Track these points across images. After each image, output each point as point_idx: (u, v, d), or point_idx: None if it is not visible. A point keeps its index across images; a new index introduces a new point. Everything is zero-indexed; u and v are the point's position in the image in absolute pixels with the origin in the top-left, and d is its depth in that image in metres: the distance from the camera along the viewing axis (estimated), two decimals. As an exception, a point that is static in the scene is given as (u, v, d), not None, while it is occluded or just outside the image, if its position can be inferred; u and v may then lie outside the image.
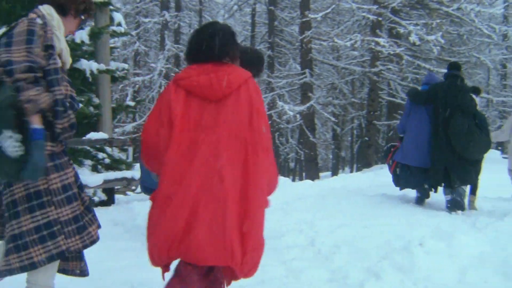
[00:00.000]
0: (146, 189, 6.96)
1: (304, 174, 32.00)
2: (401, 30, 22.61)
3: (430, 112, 9.32)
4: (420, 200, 9.71)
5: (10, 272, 3.21)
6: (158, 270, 3.49)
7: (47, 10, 3.38)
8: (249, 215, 3.25)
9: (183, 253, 3.17)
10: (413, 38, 21.14)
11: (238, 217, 3.22)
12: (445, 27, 23.80)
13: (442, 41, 21.85)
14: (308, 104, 24.38)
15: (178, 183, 3.20)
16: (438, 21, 22.92)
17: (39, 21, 3.27)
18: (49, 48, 3.26)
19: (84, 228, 3.43)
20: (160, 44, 32.48)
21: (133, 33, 32.99)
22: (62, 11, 3.48)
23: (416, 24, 22.65)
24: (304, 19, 24.71)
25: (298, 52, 29.86)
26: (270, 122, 28.03)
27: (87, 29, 10.77)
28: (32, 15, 3.28)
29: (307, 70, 25.62)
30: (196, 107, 3.33)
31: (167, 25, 31.05)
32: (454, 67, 9.51)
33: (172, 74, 31.96)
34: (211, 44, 3.47)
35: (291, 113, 23.42)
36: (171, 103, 3.32)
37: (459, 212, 8.63)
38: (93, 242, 3.51)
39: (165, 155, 3.26)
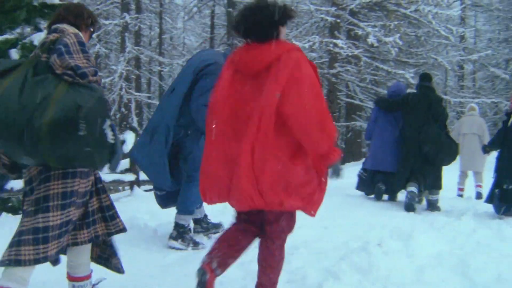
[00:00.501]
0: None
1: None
2: (359, 32, 22.74)
3: (396, 119, 10.09)
4: (377, 199, 10.34)
5: (18, 263, 3.38)
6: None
7: (68, 27, 3.75)
8: (258, 165, 3.61)
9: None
10: (371, 39, 21.27)
11: (251, 169, 3.62)
12: (403, 29, 23.96)
13: (400, 42, 22.03)
14: (267, 105, 24.26)
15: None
16: (396, 22, 23.08)
17: (80, 35, 3.72)
18: None
19: (88, 225, 3.83)
20: (120, 46, 32.10)
21: (93, 35, 32.48)
22: (76, 27, 3.82)
23: (374, 26, 22.79)
24: (262, 21, 24.52)
25: (256, 54, 29.72)
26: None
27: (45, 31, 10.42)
28: (70, 30, 3.71)
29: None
30: (239, 80, 3.84)
31: (127, 27, 30.61)
32: (426, 79, 10.10)
33: (133, 76, 31.57)
34: (256, 26, 3.86)
35: (252, 115, 23.25)
36: (221, 75, 3.95)
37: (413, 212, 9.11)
38: (97, 237, 3.90)
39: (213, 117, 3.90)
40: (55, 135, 3.24)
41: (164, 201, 6.57)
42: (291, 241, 5.99)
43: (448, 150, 9.53)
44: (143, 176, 10.71)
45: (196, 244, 6.26)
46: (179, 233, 6.21)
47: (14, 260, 3.37)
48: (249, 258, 5.54)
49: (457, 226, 7.43)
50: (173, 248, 6.19)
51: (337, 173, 4.18)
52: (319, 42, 21.89)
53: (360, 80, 25.45)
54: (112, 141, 3.45)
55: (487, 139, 12.10)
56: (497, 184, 9.17)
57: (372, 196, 10.65)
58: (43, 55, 3.51)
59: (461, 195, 12.99)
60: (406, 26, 25.40)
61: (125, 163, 11.00)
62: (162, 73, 37.76)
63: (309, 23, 26.61)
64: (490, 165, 11.11)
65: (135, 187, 10.70)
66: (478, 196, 12.75)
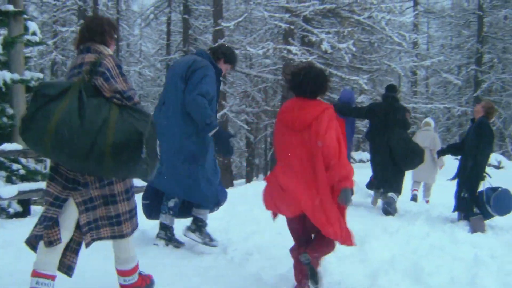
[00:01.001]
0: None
1: (218, 182, 31.88)
2: (313, 38, 22.88)
3: (352, 126, 11.06)
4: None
5: (100, 239, 4.28)
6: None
7: (102, 48, 4.23)
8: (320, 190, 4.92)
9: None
10: (325, 46, 21.39)
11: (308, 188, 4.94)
12: (356, 35, 24.10)
13: (354, 49, 22.19)
14: (221, 113, 24.27)
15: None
16: (349, 29, 23.18)
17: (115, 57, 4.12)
18: None
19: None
20: (77, 54, 31.81)
21: (50, 42, 32.28)
22: (104, 43, 4.32)
23: (328, 32, 22.92)
24: (217, 28, 24.76)
25: (211, 60, 29.69)
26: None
27: (0, 38, 10.60)
28: (105, 52, 4.18)
29: (220, 78, 25.42)
30: (287, 133, 5.13)
31: (84, 34, 30.44)
32: (391, 90, 10.86)
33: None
34: (305, 87, 5.08)
35: (205, 121, 23.22)
36: (274, 131, 5.42)
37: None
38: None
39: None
40: (118, 157, 3.71)
41: (148, 211, 6.72)
42: (245, 247, 6.24)
43: (419, 152, 10.26)
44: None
45: (211, 240, 6.53)
46: (198, 226, 6.52)
47: (96, 238, 4.26)
48: (205, 264, 5.95)
49: (410, 230, 7.59)
50: (191, 239, 6.50)
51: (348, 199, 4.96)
52: (273, 48, 22.00)
53: None
54: (159, 156, 4.11)
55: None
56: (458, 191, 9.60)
57: None
58: (87, 77, 3.92)
59: (415, 195, 13.30)
60: (359, 32, 25.52)
61: None
62: (119, 80, 37.52)
63: (263, 29, 26.66)
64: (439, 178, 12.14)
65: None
66: (413, 198, 13.33)
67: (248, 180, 35.23)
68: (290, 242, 6.50)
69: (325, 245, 5.16)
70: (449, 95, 43.39)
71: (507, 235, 8.16)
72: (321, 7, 23.02)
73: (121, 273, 4.47)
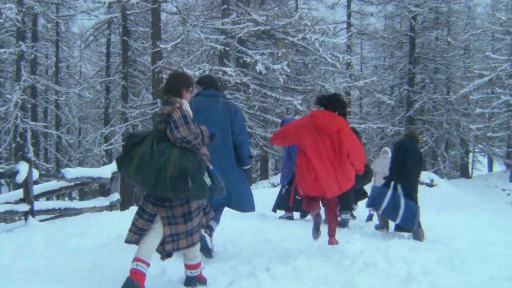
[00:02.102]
0: None
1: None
2: (248, 60, 23.27)
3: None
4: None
5: (178, 249, 5.51)
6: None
7: (178, 100, 5.44)
8: (340, 176, 7.40)
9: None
10: (259, 67, 21.77)
11: (336, 176, 7.36)
12: (290, 56, 24.50)
13: (288, 70, 22.61)
14: (160, 133, 24.39)
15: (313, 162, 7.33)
16: (283, 50, 23.63)
17: (183, 108, 5.39)
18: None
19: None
20: (16, 75, 31.44)
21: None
22: (180, 95, 5.51)
23: (262, 54, 23.36)
24: (155, 49, 24.80)
25: (150, 82, 29.92)
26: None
27: None
28: (177, 104, 5.37)
29: (158, 100, 25.67)
30: (317, 133, 7.31)
31: (23, 55, 30.17)
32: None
33: (29, 105, 31.06)
34: (332, 106, 7.45)
35: (143, 143, 23.33)
36: (303, 125, 7.50)
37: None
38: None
39: (306, 151, 7.39)
40: (174, 186, 5.07)
41: None
42: (176, 270, 6.24)
43: (367, 171, 11.18)
44: (38, 206, 10.81)
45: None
46: (210, 234, 7.24)
47: (176, 249, 5.51)
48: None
49: (344, 248, 7.56)
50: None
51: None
52: (209, 70, 22.22)
53: (248, 107, 26.00)
54: (209, 184, 5.24)
55: None
56: None
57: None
58: (162, 125, 5.26)
59: (372, 215, 13.85)
60: (293, 53, 25.98)
61: (19, 193, 10.73)
62: (58, 102, 37.18)
63: (199, 51, 26.96)
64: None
65: (30, 217, 10.45)
66: (369, 218, 13.64)
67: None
68: (224, 261, 6.73)
69: (335, 218, 8.01)
70: (382, 115, 44.31)
71: (441, 250, 8.22)
72: (256, 28, 23.44)
73: (188, 267, 5.71)
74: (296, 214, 12.56)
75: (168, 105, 5.40)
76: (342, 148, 7.26)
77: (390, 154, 14.71)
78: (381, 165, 14.52)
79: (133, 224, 5.49)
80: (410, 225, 9.56)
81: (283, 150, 12.67)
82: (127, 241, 5.48)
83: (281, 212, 12.65)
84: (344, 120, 7.42)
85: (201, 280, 5.74)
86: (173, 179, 5.05)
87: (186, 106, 5.49)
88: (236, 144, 7.41)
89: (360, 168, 7.62)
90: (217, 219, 7.31)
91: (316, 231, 7.48)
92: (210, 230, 7.14)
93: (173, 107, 5.33)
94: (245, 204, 7.52)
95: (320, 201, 7.82)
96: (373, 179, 13.83)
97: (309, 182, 7.46)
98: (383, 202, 9.69)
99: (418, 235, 9.44)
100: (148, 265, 5.30)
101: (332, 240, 7.84)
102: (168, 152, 5.14)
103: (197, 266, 5.71)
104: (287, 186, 11.97)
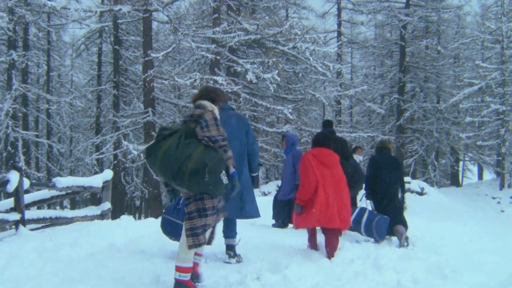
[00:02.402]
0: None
1: (148, 211, 31.93)
2: (238, 69, 23.25)
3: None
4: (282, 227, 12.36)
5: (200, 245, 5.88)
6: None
7: (210, 104, 6.05)
8: (343, 208, 8.10)
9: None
10: (250, 76, 21.80)
11: (339, 209, 7.99)
12: (281, 65, 24.55)
13: (278, 79, 22.65)
14: (150, 143, 24.33)
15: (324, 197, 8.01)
16: (274, 59, 23.65)
17: (215, 112, 5.97)
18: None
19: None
20: (7, 84, 31.36)
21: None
22: (214, 103, 6.14)
23: (253, 63, 23.42)
24: (146, 58, 24.75)
25: (141, 91, 29.92)
26: (115, 162, 27.89)
27: None
28: (209, 108, 5.96)
29: (149, 109, 25.66)
30: (322, 168, 8.20)
31: (14, 64, 30.08)
32: (327, 125, 12.17)
33: (20, 114, 30.97)
34: (330, 145, 8.54)
35: (135, 152, 23.34)
36: (313, 165, 8.18)
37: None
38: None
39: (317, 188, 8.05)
40: (192, 178, 5.46)
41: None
42: (170, 280, 6.26)
43: (359, 179, 11.55)
44: (28, 215, 10.81)
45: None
46: (234, 253, 7.68)
47: (201, 243, 5.81)
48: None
49: (334, 257, 7.66)
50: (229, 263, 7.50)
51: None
52: (200, 79, 22.23)
53: None
54: (226, 182, 5.69)
55: None
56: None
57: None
58: (192, 124, 5.77)
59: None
60: (284, 62, 26.04)
61: (9, 202, 10.71)
62: (50, 111, 37.03)
63: (190, 60, 26.98)
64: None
65: (20, 226, 10.42)
66: None
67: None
68: (215, 270, 6.74)
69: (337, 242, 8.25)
70: (372, 123, 44.34)
71: (431, 258, 8.23)
72: (246, 37, 23.49)
73: (178, 269, 5.75)
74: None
75: (200, 108, 6.01)
76: (342, 179, 8.36)
77: None
78: None
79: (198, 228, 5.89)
80: (370, 235, 10.29)
81: (284, 163, 12.65)
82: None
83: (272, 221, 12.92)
84: (336, 154, 8.64)
85: None
86: (193, 171, 5.46)
87: (216, 112, 6.05)
88: (249, 153, 8.00)
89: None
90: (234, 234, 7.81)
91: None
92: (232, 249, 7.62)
93: (205, 110, 5.94)
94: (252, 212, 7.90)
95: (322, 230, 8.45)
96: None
97: (316, 215, 7.95)
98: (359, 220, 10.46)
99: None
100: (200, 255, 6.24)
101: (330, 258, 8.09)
102: (193, 147, 5.59)
103: (187, 270, 5.74)
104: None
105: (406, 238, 9.72)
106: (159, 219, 7.98)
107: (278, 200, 12.59)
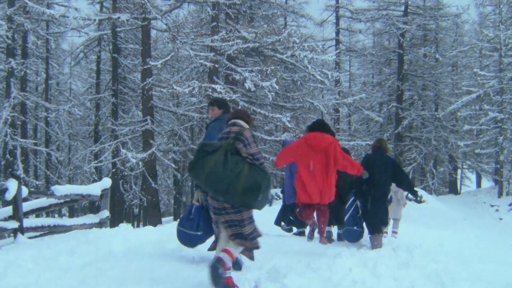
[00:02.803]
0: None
1: (147, 219, 31.92)
2: (237, 77, 23.32)
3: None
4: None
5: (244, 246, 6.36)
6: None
7: (243, 123, 6.53)
8: (326, 185, 9.35)
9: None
10: (248, 84, 21.77)
11: (322, 186, 9.32)
12: (279, 74, 24.56)
13: (277, 87, 22.62)
14: (149, 151, 24.35)
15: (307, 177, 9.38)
16: (272, 67, 23.65)
17: (250, 130, 6.45)
18: None
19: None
20: (5, 92, 31.30)
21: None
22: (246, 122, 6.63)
23: (251, 71, 23.40)
24: (145, 66, 24.77)
25: (140, 99, 29.93)
26: (114, 170, 27.87)
27: None
28: (245, 126, 6.46)
29: (148, 117, 25.66)
30: (311, 151, 9.23)
31: (13, 72, 30.05)
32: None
33: (18, 122, 30.94)
34: (321, 128, 9.49)
35: (134, 161, 23.32)
36: (294, 147, 9.49)
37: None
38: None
39: (299, 166, 9.47)
40: (244, 196, 5.84)
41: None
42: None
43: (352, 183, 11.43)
44: (27, 223, 10.78)
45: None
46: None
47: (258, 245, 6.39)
48: None
49: (333, 265, 7.52)
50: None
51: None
52: (198, 87, 22.22)
53: None
54: (271, 198, 6.23)
55: (400, 192, 15.23)
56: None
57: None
58: (233, 141, 6.11)
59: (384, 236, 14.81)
60: (282, 71, 26.09)
61: (8, 210, 10.68)
62: (48, 119, 37.04)
63: (189, 68, 27.01)
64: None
65: (19, 235, 10.40)
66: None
67: (176, 217, 35.34)
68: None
69: (326, 217, 9.88)
70: (371, 131, 44.47)
71: (429, 266, 8.08)
72: (245, 45, 23.46)
73: (224, 250, 6.12)
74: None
75: (236, 126, 6.40)
76: (331, 161, 9.27)
77: None
78: None
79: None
80: (350, 239, 10.98)
81: (285, 169, 12.91)
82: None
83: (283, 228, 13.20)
84: (331, 136, 9.46)
85: (224, 266, 6.06)
86: (245, 189, 5.82)
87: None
88: None
89: (354, 172, 9.65)
90: None
91: (311, 235, 10.12)
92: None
93: (242, 127, 6.36)
94: None
95: (315, 211, 9.85)
96: None
97: (301, 191, 9.50)
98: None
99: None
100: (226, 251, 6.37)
101: (322, 239, 9.98)
102: (241, 164, 5.93)
103: (231, 254, 6.15)
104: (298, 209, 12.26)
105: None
106: (158, 227, 8.04)
107: (286, 204, 12.74)
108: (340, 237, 11.85)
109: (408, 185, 10.87)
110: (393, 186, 15.02)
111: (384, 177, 10.38)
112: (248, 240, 6.23)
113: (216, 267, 5.92)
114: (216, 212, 6.31)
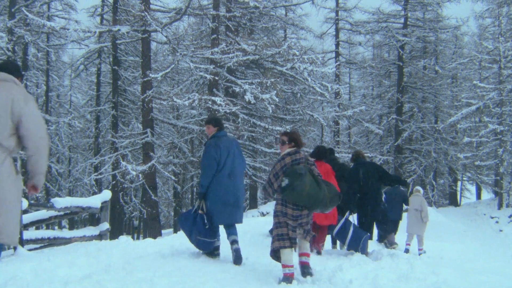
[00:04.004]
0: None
1: (147, 231, 31.88)
2: (237, 89, 23.30)
3: None
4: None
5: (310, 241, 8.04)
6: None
7: (300, 150, 7.97)
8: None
9: None
10: (248, 97, 21.77)
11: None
12: (279, 86, 24.53)
13: (277, 99, 22.58)
14: (149, 164, 24.30)
15: None
16: (272, 80, 23.60)
17: None
18: None
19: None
20: (6, 104, 31.36)
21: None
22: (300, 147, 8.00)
23: (251, 83, 23.37)
24: (145, 79, 24.75)
25: (140, 112, 29.96)
26: (114, 182, 27.84)
27: None
28: (302, 153, 7.88)
29: (148, 130, 25.66)
30: None
31: (14, 84, 30.06)
32: (331, 153, 12.96)
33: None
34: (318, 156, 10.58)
35: (134, 173, 23.30)
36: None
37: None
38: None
39: None
40: (330, 204, 7.58)
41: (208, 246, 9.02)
42: None
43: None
44: (27, 235, 10.81)
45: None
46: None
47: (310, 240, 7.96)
48: None
49: (333, 277, 7.54)
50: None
51: None
52: (199, 99, 22.19)
53: (237, 137, 25.70)
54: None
55: (425, 211, 17.29)
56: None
57: None
58: (306, 164, 7.64)
59: (407, 250, 16.50)
60: (282, 83, 26.09)
61: None
62: (48, 131, 36.99)
63: (189, 80, 27.02)
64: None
65: (18, 247, 10.33)
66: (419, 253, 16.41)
67: (176, 230, 35.27)
68: None
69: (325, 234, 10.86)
70: (371, 144, 44.68)
71: (429, 279, 8.06)
72: (245, 58, 23.46)
73: (304, 254, 7.79)
74: None
75: (299, 153, 7.75)
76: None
77: (421, 192, 18.36)
78: (414, 201, 17.66)
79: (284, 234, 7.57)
80: (355, 249, 10.80)
81: None
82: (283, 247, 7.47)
83: None
84: (328, 166, 10.54)
85: (309, 265, 7.82)
86: (331, 199, 7.56)
87: None
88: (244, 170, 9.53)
89: None
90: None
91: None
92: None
93: (304, 154, 7.82)
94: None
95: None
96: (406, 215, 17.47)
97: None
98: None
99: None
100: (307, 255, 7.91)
101: (317, 246, 10.66)
102: (322, 182, 7.58)
103: (308, 254, 7.83)
104: None
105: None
106: (158, 239, 8.11)
107: None
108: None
109: (395, 181, 11.50)
110: (417, 205, 17.46)
111: (372, 181, 10.95)
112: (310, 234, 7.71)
113: (309, 272, 7.67)
114: (294, 219, 7.56)
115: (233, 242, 8.87)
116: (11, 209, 5.35)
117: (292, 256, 7.41)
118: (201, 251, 9.05)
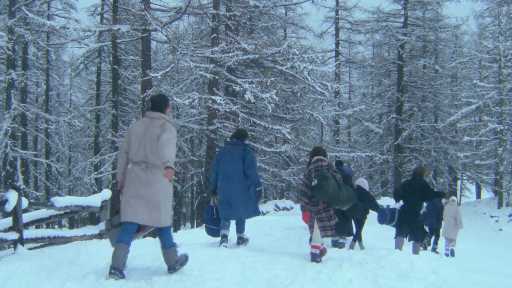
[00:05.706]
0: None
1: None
2: (237, 89, 23.25)
3: None
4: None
5: (327, 236, 9.52)
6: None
7: (324, 158, 9.68)
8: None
9: None
10: (248, 96, 21.78)
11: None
12: (279, 85, 24.58)
13: (277, 98, 22.58)
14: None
15: None
16: (272, 79, 23.66)
17: None
18: None
19: None
20: (5, 103, 31.17)
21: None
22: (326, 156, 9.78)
23: (251, 82, 23.36)
24: (145, 78, 24.73)
25: (140, 111, 29.94)
26: (114, 181, 27.76)
27: None
28: (327, 160, 9.56)
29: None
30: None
31: (13, 83, 29.98)
32: (339, 164, 14.39)
33: (19, 133, 30.96)
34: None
35: (132, 172, 23.23)
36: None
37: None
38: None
39: None
40: (348, 201, 9.17)
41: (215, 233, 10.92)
42: None
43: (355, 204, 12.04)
44: (27, 234, 10.79)
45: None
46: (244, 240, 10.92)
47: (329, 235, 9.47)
48: None
49: (332, 276, 7.61)
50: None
51: None
52: (199, 98, 22.20)
53: None
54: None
55: (459, 219, 19.18)
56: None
57: None
58: (330, 171, 9.23)
59: (447, 254, 17.96)
60: (282, 82, 26.08)
61: (8, 221, 10.65)
62: (48, 130, 36.99)
63: (189, 79, 26.98)
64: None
65: (19, 246, 10.36)
66: (451, 253, 18.34)
67: (176, 229, 35.26)
68: None
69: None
70: (370, 143, 44.65)
71: (429, 278, 8.10)
72: (245, 57, 23.49)
73: (314, 246, 9.22)
74: None
75: (323, 161, 9.39)
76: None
77: (456, 201, 20.22)
78: (450, 209, 19.34)
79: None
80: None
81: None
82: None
83: None
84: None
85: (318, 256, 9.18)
86: (349, 199, 9.18)
87: None
88: (247, 175, 10.41)
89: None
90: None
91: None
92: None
93: (328, 162, 9.46)
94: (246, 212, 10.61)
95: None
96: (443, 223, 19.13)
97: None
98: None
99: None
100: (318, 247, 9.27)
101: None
102: (342, 185, 9.16)
103: (318, 247, 9.19)
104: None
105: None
106: (157, 239, 8.11)
107: None
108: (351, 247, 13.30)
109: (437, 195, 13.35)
110: (453, 212, 19.36)
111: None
112: (330, 229, 9.20)
113: (317, 261, 9.05)
114: (313, 215, 9.39)
115: (239, 238, 10.82)
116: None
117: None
118: (209, 242, 10.93)
